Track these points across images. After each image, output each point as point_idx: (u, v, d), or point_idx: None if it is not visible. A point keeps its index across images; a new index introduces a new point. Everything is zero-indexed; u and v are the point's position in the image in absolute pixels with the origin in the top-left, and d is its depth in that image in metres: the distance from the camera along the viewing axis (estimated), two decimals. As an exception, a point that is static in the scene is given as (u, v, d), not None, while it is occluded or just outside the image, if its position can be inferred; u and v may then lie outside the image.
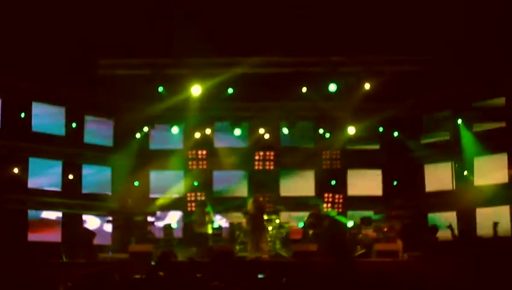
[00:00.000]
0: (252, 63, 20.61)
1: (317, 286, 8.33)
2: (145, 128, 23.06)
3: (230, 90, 21.71)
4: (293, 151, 23.54)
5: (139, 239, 19.66)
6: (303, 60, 20.98)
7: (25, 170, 21.19)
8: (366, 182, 23.49)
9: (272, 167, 23.38)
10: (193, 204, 22.62)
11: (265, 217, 19.16)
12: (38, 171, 21.72)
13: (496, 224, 14.14)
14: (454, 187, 22.52)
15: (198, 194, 22.88)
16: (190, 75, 20.93)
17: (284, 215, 21.61)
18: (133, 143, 23.04)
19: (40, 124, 21.78)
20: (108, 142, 23.57)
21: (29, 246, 20.35)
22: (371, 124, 22.76)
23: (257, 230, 18.15)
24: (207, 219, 19.74)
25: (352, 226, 21.42)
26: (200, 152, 23.24)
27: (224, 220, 22.82)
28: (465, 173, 21.88)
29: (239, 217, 20.01)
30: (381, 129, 22.97)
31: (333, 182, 23.20)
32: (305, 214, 20.74)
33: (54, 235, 21.63)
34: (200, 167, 23.28)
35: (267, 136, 23.27)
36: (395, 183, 23.07)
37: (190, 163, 23.28)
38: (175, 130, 22.77)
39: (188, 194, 23.11)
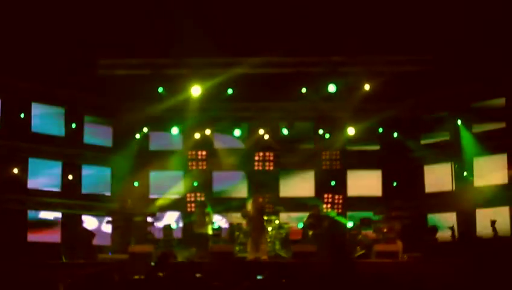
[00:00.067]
0: (252, 64, 20.62)
1: (316, 286, 8.32)
2: (145, 129, 23.07)
3: (230, 91, 21.73)
4: (292, 152, 23.53)
5: (138, 240, 19.64)
6: (303, 60, 21.00)
7: (24, 171, 21.17)
8: (365, 183, 23.46)
9: (271, 168, 23.39)
10: (193, 205, 22.64)
11: (265, 217, 19.14)
12: (38, 171, 21.70)
13: (493, 222, 14.14)
14: (454, 188, 22.50)
15: (198, 194, 22.89)
16: (190, 75, 20.95)
17: (284, 216, 21.60)
18: (132, 143, 23.04)
19: (39, 125, 21.76)
20: (108, 142, 23.55)
21: (28, 247, 20.33)
22: (371, 124, 22.76)
23: (257, 231, 18.13)
24: (207, 219, 19.73)
25: (351, 227, 21.42)
26: (199, 153, 23.24)
27: (223, 220, 22.81)
28: (465, 173, 21.87)
29: (238, 218, 19.98)
30: (380, 130, 22.97)
31: (333, 183, 23.19)
32: (304, 215, 20.72)
33: (54, 236, 21.61)
34: (200, 167, 23.28)
35: (266, 136, 23.26)
36: (394, 184, 23.06)
37: (190, 163, 23.28)
38: (175, 130, 22.77)
39: (188, 195, 23.11)
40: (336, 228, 21.59)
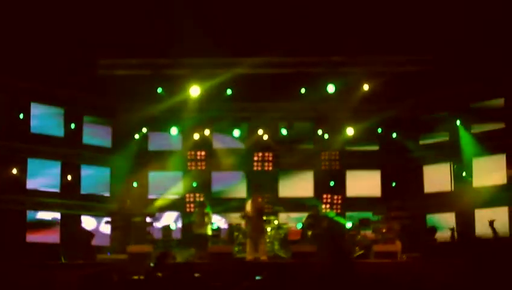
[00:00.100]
0: (251, 64, 20.60)
1: (315, 287, 8.31)
2: (144, 129, 23.07)
3: (229, 91, 21.72)
4: (291, 152, 23.52)
5: (137, 240, 19.64)
6: (302, 60, 20.98)
7: (23, 171, 21.16)
8: (364, 183, 23.47)
9: (270, 168, 23.38)
10: (192, 205, 22.63)
11: (264, 218, 19.13)
12: (37, 172, 21.69)
13: (491, 222, 14.11)
14: (453, 188, 22.51)
15: (197, 195, 22.89)
16: (189, 75, 20.94)
17: (283, 216, 21.59)
18: (131, 144, 23.03)
19: (38, 125, 21.75)
20: (107, 143, 23.54)
21: (27, 247, 20.31)
22: (370, 125, 22.77)
23: (256, 231, 18.12)
24: (206, 220, 19.71)
25: (350, 227, 21.41)
26: (198, 153, 23.24)
27: (223, 221, 22.80)
28: (464, 174, 21.88)
29: (238, 218, 19.97)
30: (380, 130, 22.98)
31: (332, 183, 23.19)
32: (303, 215, 20.73)
33: (53, 236, 21.60)
34: (199, 167, 23.27)
35: (265, 137, 23.26)
36: (393, 184, 23.05)
37: (189, 164, 23.27)
38: (174, 131, 22.77)
39: (187, 195, 23.11)
40: (335, 228, 21.59)
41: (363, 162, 23.50)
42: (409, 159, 23.17)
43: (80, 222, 22.21)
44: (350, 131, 22.55)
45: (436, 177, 22.91)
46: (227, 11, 19.51)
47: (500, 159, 21.23)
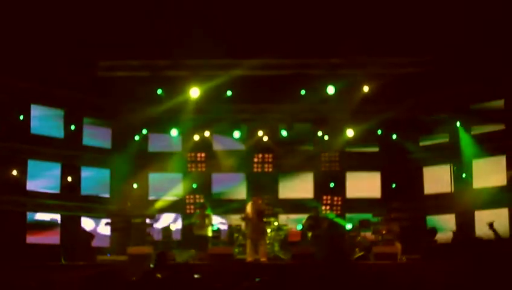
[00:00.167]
0: (251, 65, 20.61)
1: (315, 288, 8.32)
2: (144, 131, 23.08)
3: (229, 93, 21.72)
4: (291, 154, 23.52)
5: (137, 241, 19.64)
6: (302, 62, 20.98)
7: (23, 172, 21.16)
8: (364, 185, 23.47)
9: (270, 169, 23.39)
10: (192, 207, 22.64)
11: (264, 219, 19.13)
12: (37, 173, 21.69)
13: (491, 224, 14.13)
14: (453, 189, 22.51)
15: (197, 196, 22.91)
16: (189, 77, 20.94)
17: (283, 218, 21.59)
18: (131, 145, 23.03)
19: (39, 126, 21.75)
20: (107, 144, 23.55)
21: (27, 249, 20.31)
22: (370, 126, 22.77)
23: (256, 233, 18.12)
24: (207, 221, 19.72)
25: (350, 229, 21.42)
26: (199, 154, 23.25)
27: (223, 222, 22.80)
28: (464, 175, 21.89)
29: (238, 220, 19.99)
30: (379, 131, 22.98)
31: (332, 185, 23.19)
32: (303, 217, 20.73)
33: (53, 238, 21.60)
34: (199, 169, 23.28)
35: (265, 138, 23.27)
36: (393, 185, 23.05)
37: (189, 165, 23.28)
38: (174, 132, 22.78)
39: (187, 197, 23.13)
40: (335, 230, 21.60)
41: (363, 164, 23.50)
42: (409, 161, 23.17)
43: (80, 223, 22.20)
44: (350, 132, 22.57)
45: (436, 179, 22.91)
46: (227, 12, 19.52)
47: (500, 161, 21.23)
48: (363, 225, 20.70)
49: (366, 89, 21.12)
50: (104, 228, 22.34)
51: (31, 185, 21.47)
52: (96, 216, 22.58)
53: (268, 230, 19.57)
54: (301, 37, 19.61)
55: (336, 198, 22.95)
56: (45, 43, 19.72)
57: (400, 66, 20.69)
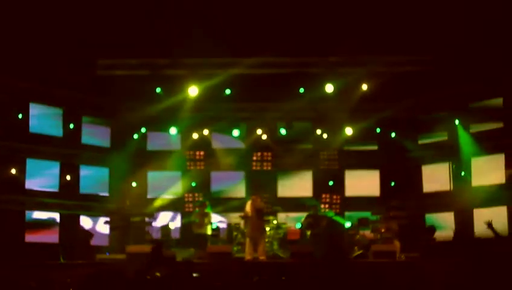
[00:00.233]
0: (250, 64, 20.61)
1: (314, 287, 8.33)
2: (143, 129, 23.08)
3: (227, 91, 21.72)
4: (290, 152, 23.53)
5: (136, 240, 19.66)
6: (301, 60, 20.98)
7: (22, 171, 21.15)
8: (363, 183, 23.48)
9: (269, 168, 23.42)
10: (191, 205, 22.66)
11: (264, 218, 19.14)
12: (36, 172, 21.68)
13: (490, 224, 14.06)
14: (451, 188, 22.52)
15: (196, 195, 22.93)
16: (188, 75, 20.93)
17: (282, 216, 21.60)
18: (130, 144, 23.03)
19: (37, 125, 21.74)
20: (106, 143, 23.54)
21: (26, 247, 20.31)
22: (369, 124, 22.78)
23: (255, 231, 18.13)
24: (206, 220, 19.72)
25: (349, 227, 21.43)
26: (197, 153, 23.27)
27: (222, 220, 22.81)
28: (463, 173, 21.90)
29: (237, 218, 20.01)
30: (378, 130, 22.99)
31: (331, 183, 23.21)
32: (302, 215, 20.74)
33: (52, 236, 21.60)
34: (198, 167, 23.30)
35: (264, 136, 23.27)
36: (392, 183, 23.06)
37: (188, 164, 23.30)
38: (173, 130, 22.77)
39: (186, 195, 23.15)
40: (334, 228, 21.59)
41: (362, 162, 23.51)
42: (407, 159, 23.19)
43: (79, 222, 22.21)
44: (349, 131, 22.57)
45: (435, 177, 22.93)
46: (226, 11, 19.53)
47: (499, 159, 21.25)
48: (362, 223, 20.73)
49: (365, 87, 21.11)
50: (102, 227, 22.35)
51: (30, 183, 21.46)
52: (95, 215, 22.58)
53: (267, 228, 19.58)
54: (300, 36, 19.62)
55: (334, 196, 22.98)
56: (44, 41, 19.72)
57: (399, 64, 20.69)
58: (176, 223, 23.06)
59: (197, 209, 20.66)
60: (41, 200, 21.54)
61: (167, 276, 9.27)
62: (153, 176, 23.86)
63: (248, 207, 18.41)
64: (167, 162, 23.45)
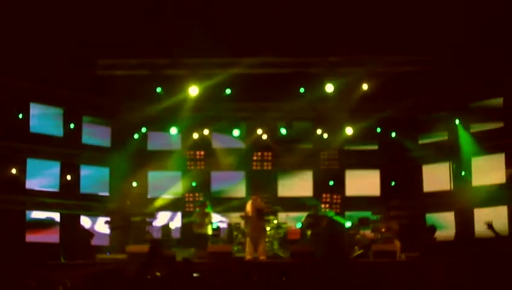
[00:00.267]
0: (250, 64, 20.62)
1: (314, 286, 8.33)
2: (143, 129, 23.08)
3: (228, 91, 21.73)
4: (290, 152, 23.53)
5: (137, 240, 19.65)
6: (301, 60, 20.98)
7: (22, 171, 21.15)
8: (364, 183, 23.47)
9: (269, 168, 23.43)
10: (191, 205, 22.67)
11: (265, 217, 19.14)
12: (36, 172, 21.68)
13: (490, 225, 14.01)
14: (452, 187, 22.52)
15: (197, 194, 22.94)
16: (188, 75, 20.93)
17: (282, 216, 21.61)
18: (131, 144, 23.02)
19: (38, 125, 21.74)
20: (106, 142, 23.54)
21: (27, 247, 20.31)
22: (369, 124, 22.78)
23: (255, 231, 18.14)
24: (206, 220, 19.73)
25: (350, 227, 21.43)
26: (198, 153, 23.29)
27: (222, 220, 22.81)
28: (463, 173, 21.90)
29: (237, 218, 20.01)
30: (379, 129, 22.99)
31: (331, 183, 23.21)
32: (303, 215, 20.74)
33: (52, 236, 21.60)
34: (198, 167, 23.31)
35: (264, 136, 23.28)
36: (393, 183, 23.06)
37: (188, 164, 23.32)
38: (173, 130, 22.77)
39: (187, 195, 23.17)
40: (334, 228, 21.59)
41: (362, 162, 23.51)
42: (408, 159, 23.18)
43: (79, 221, 22.21)
44: (349, 130, 22.57)
45: (435, 177, 22.92)
46: (226, 11, 19.53)
47: (499, 158, 21.24)
48: (362, 223, 20.72)
49: (365, 87, 21.10)
50: (101, 226, 22.35)
51: (30, 183, 21.46)
52: (95, 215, 22.58)
53: (268, 228, 19.59)
54: (300, 36, 19.62)
55: (335, 196, 22.99)
56: (44, 41, 19.71)
57: (399, 64, 20.69)
58: (176, 223, 23.07)
59: (197, 209, 20.67)
60: (42, 200, 21.55)
61: (167, 276, 9.27)
62: (153, 176, 23.86)
63: (248, 207, 18.42)
64: (167, 162, 23.45)
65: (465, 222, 21.49)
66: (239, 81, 21.06)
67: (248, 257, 17.93)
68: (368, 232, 20.25)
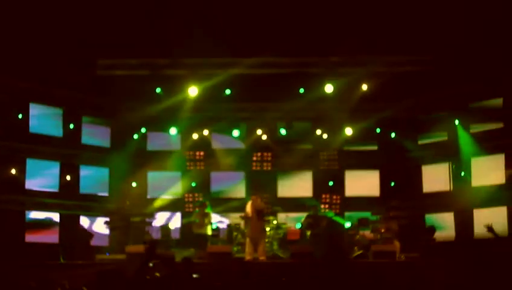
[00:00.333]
0: (250, 64, 20.63)
1: (314, 287, 8.33)
2: (143, 129, 23.08)
3: (227, 91, 21.73)
4: (290, 152, 23.53)
5: (136, 240, 19.65)
6: (301, 60, 20.99)
7: (22, 171, 21.14)
8: (363, 183, 23.47)
9: (269, 168, 23.42)
10: (191, 205, 22.67)
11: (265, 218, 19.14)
12: (36, 172, 21.67)
13: (490, 228, 13.93)
14: (451, 188, 22.51)
15: (196, 195, 22.93)
16: (188, 76, 20.94)
17: (282, 216, 21.61)
18: (130, 144, 23.02)
19: (37, 125, 21.73)
20: (106, 143, 23.53)
21: (26, 247, 20.31)
22: (368, 124, 22.79)
23: (256, 232, 18.13)
24: (206, 220, 19.72)
25: (349, 227, 21.43)
26: (197, 153, 23.28)
27: (222, 221, 22.81)
28: (463, 173, 21.89)
29: (237, 218, 20.02)
30: (378, 130, 23.00)
31: (331, 183, 23.21)
32: (302, 215, 20.74)
33: (52, 237, 21.59)
34: (198, 167, 23.31)
35: (264, 137, 23.27)
36: (392, 184, 23.05)
37: (188, 164, 23.32)
38: (173, 131, 22.77)
39: (186, 195, 23.16)
40: (334, 228, 21.61)
41: (362, 162, 23.51)
42: (407, 159, 23.18)
43: (78, 222, 22.20)
44: (349, 131, 22.57)
45: (435, 177, 22.92)
46: (226, 11, 19.53)
47: (499, 159, 21.24)
48: (362, 223, 20.72)
49: (365, 87, 21.12)
50: (99, 227, 22.35)
51: (30, 184, 21.46)
52: (95, 215, 22.58)
53: (267, 229, 19.59)
54: (300, 36, 19.62)
55: (334, 196, 22.98)
56: (44, 42, 19.71)
57: (399, 64, 20.70)
58: (176, 224, 23.06)
59: (197, 209, 20.67)
60: (41, 200, 21.54)
61: (167, 276, 9.26)
62: (153, 176, 23.85)
63: (248, 207, 18.41)
64: (167, 163, 23.45)
65: (464, 222, 21.49)
66: (239, 81, 21.06)
67: (248, 257, 17.93)
68: (367, 233, 20.25)
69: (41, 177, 21.82)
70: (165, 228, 21.17)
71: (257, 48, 19.89)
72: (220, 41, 19.51)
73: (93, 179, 23.16)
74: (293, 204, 22.47)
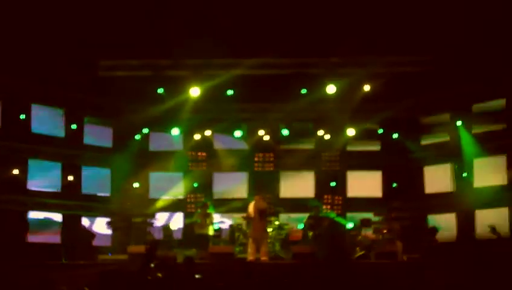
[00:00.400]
0: (252, 65, 20.64)
1: (316, 287, 8.33)
2: (145, 130, 23.08)
3: (229, 92, 21.73)
4: (292, 153, 23.53)
5: (138, 240, 19.64)
6: (302, 61, 21.00)
7: (24, 172, 21.17)
8: (365, 184, 23.46)
9: (271, 169, 23.41)
10: (193, 205, 22.66)
11: (267, 219, 19.12)
12: (38, 172, 21.70)
13: (493, 229, 13.94)
14: (453, 189, 22.51)
15: (198, 195, 22.93)
16: (189, 76, 20.96)
17: (284, 217, 21.60)
18: (132, 144, 23.02)
19: (39, 126, 21.76)
20: (108, 143, 23.55)
21: (28, 248, 20.32)
22: (371, 125, 22.77)
23: (258, 232, 18.12)
24: (208, 220, 19.72)
25: (351, 228, 21.41)
26: (199, 154, 23.28)
27: (224, 221, 22.80)
28: (465, 174, 21.87)
29: (239, 219, 20.01)
30: (380, 130, 22.98)
31: (333, 184, 23.19)
32: (304, 216, 20.72)
33: (54, 237, 21.61)
34: (200, 168, 23.31)
35: (266, 137, 23.26)
36: (394, 184, 23.03)
37: (190, 164, 23.31)
38: (175, 131, 22.77)
39: (188, 196, 23.16)
40: (336, 229, 21.58)
41: (364, 163, 23.49)
42: (409, 160, 23.16)
43: (80, 222, 22.22)
44: (351, 131, 22.56)
45: (437, 178, 22.91)
46: (227, 12, 19.54)
47: (501, 160, 21.23)
48: (364, 224, 20.69)
49: (366, 88, 21.12)
50: (100, 227, 22.36)
51: (32, 184, 21.49)
52: (96, 215, 22.59)
53: (269, 229, 19.56)
54: (301, 37, 19.63)
55: (336, 197, 22.96)
56: (46, 42, 19.74)
57: (401, 65, 20.71)
58: (178, 224, 23.06)
59: (199, 209, 20.66)
60: (43, 200, 21.57)
61: (169, 276, 9.27)
62: (154, 177, 23.85)
63: (251, 208, 18.41)
64: (169, 163, 23.45)
65: (466, 223, 21.47)
66: (240, 82, 21.07)
67: (250, 257, 17.91)
68: (369, 234, 20.22)
69: (43, 177, 21.84)
70: (167, 228, 21.16)
71: (258, 49, 19.89)
72: (221, 42, 19.51)
73: (95, 179, 23.17)
74: (295, 205, 22.46)
